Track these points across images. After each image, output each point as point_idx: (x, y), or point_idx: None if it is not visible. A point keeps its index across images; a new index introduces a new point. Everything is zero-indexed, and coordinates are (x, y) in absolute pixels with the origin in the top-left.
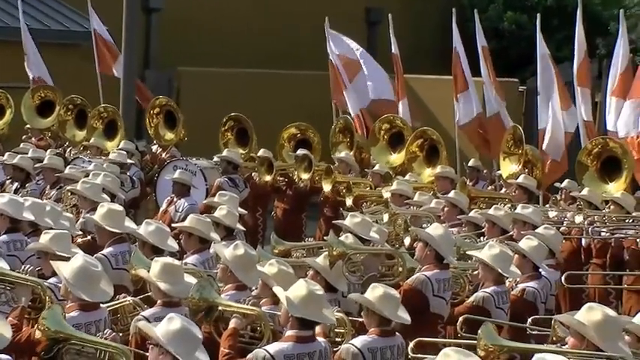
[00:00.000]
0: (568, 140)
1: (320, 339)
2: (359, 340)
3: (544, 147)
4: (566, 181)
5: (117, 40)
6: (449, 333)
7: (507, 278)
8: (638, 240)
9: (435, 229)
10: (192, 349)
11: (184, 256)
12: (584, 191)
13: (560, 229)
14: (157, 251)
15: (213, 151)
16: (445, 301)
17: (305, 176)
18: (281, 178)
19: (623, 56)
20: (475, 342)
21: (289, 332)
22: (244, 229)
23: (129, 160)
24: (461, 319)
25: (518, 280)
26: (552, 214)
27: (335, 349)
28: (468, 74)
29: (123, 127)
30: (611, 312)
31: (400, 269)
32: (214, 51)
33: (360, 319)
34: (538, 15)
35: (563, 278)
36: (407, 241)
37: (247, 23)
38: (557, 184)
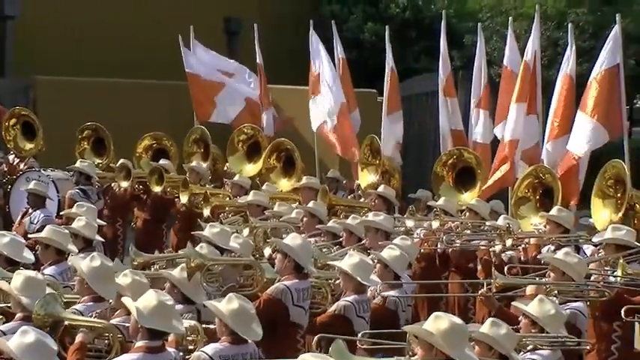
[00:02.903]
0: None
1: (170, 349)
2: (210, 348)
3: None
4: (420, 190)
5: None
6: (308, 342)
7: (369, 287)
8: (490, 249)
9: (293, 240)
10: None
11: (41, 267)
12: (441, 200)
13: (417, 239)
14: (12, 263)
15: (71, 162)
16: (304, 311)
17: (157, 189)
18: (140, 187)
19: (483, 69)
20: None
21: (139, 343)
22: (103, 240)
23: None
24: (315, 339)
25: (380, 289)
26: (410, 223)
27: (187, 357)
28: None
29: None
30: (458, 320)
31: (259, 279)
32: (72, 60)
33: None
34: (387, 27)
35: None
36: (267, 251)
37: (106, 32)
38: (411, 195)
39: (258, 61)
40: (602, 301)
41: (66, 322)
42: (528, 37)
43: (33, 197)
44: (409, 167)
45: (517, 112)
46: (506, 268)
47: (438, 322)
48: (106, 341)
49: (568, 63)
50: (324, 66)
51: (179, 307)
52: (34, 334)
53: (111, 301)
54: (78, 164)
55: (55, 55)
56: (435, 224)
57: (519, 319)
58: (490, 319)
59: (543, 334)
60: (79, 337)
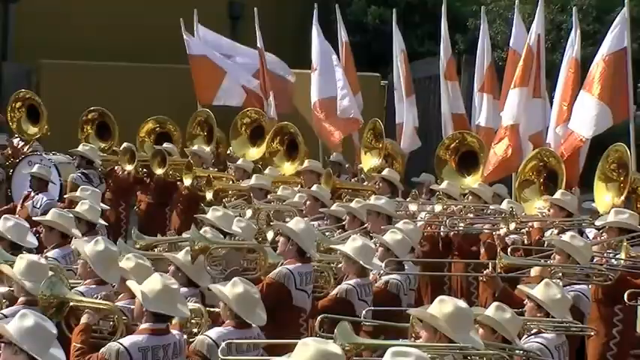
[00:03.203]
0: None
1: (174, 331)
2: (214, 332)
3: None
4: (423, 174)
5: None
6: (311, 326)
7: (371, 271)
8: (494, 233)
9: (296, 224)
10: (47, 346)
11: (44, 250)
12: (443, 184)
13: (420, 223)
14: (16, 247)
15: (72, 146)
16: (307, 295)
17: (160, 171)
18: (144, 171)
19: (487, 53)
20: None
21: (144, 325)
22: (106, 224)
23: None
24: (318, 319)
25: (382, 272)
26: (413, 207)
27: (191, 340)
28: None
29: None
30: (462, 304)
31: (263, 263)
32: (75, 43)
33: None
34: (394, 10)
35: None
36: (270, 235)
37: (109, 15)
38: (414, 179)
39: (258, 44)
40: (605, 285)
41: (71, 304)
42: (532, 20)
43: (36, 181)
44: (412, 151)
45: (519, 97)
46: (509, 251)
47: (442, 306)
48: (111, 323)
49: (573, 47)
50: (327, 51)
51: (183, 290)
52: (34, 318)
53: (114, 284)
54: (80, 148)
55: (59, 38)
56: (438, 208)
57: (524, 302)
58: (495, 303)
59: (548, 319)
60: (84, 319)
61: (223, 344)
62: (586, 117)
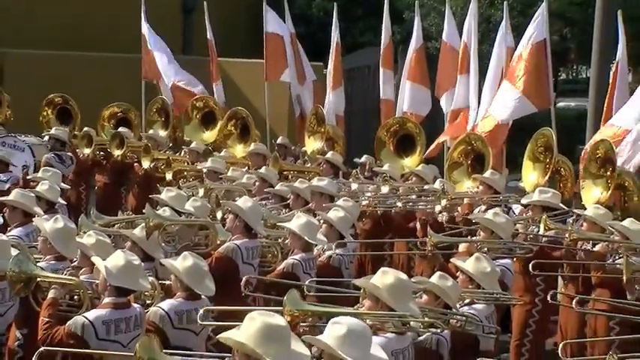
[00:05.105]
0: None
1: (135, 304)
2: (166, 304)
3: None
4: (365, 156)
5: None
6: (258, 299)
7: (315, 246)
8: (428, 210)
9: (244, 202)
10: None
11: (8, 228)
12: (385, 166)
13: (364, 202)
14: None
15: (37, 133)
16: (254, 268)
17: (118, 152)
18: (101, 153)
19: (417, 43)
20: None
21: (107, 299)
22: (66, 203)
23: None
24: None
25: (325, 247)
26: (354, 186)
27: (145, 311)
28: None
29: None
30: (403, 275)
31: (213, 239)
32: (38, 33)
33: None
34: (335, 5)
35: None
36: (219, 214)
37: (69, 6)
38: (356, 159)
39: (208, 36)
40: (527, 257)
41: (38, 279)
42: (464, 13)
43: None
44: (354, 134)
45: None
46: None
47: (384, 277)
48: (76, 297)
49: (506, 38)
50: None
51: None
52: None
53: (75, 259)
54: (53, 131)
55: (22, 28)
56: (385, 189)
57: (457, 274)
58: (438, 272)
59: (479, 290)
60: (51, 293)
61: (201, 311)
62: (504, 103)
